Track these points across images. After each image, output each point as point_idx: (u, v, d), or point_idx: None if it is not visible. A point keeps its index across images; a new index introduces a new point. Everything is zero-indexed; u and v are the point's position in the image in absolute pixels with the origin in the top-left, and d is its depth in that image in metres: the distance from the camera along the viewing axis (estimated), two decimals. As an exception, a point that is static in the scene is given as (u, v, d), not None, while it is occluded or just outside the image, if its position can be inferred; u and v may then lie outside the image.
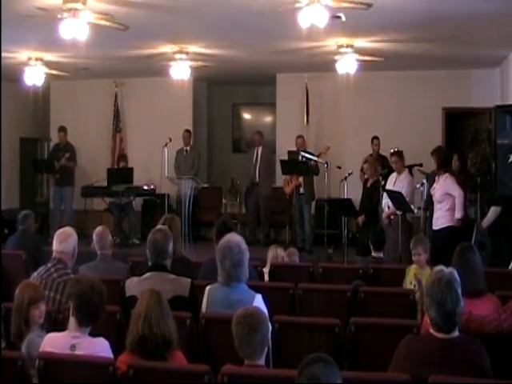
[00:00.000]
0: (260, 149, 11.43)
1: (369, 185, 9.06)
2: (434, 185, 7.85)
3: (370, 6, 6.26)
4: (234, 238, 4.37)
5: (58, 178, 11.69)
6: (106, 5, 6.58)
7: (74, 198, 11.75)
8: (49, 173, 11.92)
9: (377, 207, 8.93)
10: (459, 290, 3.29)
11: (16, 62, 9.77)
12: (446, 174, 7.62)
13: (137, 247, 10.70)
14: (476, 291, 4.03)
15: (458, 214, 7.55)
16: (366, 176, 9.25)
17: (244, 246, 4.29)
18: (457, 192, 7.54)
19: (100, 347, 3.55)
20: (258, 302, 4.13)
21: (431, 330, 3.32)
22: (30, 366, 3.50)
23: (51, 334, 3.71)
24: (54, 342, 3.60)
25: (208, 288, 4.31)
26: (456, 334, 3.28)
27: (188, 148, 11.76)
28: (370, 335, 4.19)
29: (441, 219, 7.66)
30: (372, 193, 8.98)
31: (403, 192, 8.20)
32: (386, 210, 8.50)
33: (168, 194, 11.45)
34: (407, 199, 8.13)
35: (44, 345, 3.63)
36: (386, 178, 9.13)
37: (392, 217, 8.35)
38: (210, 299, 4.27)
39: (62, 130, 11.88)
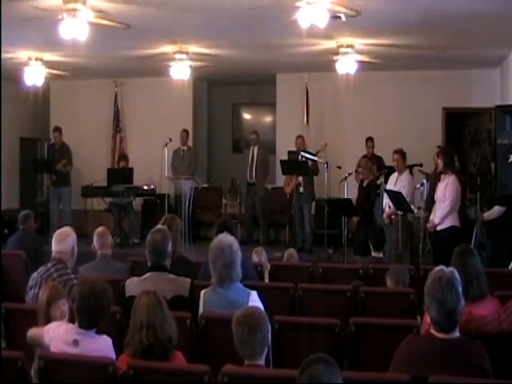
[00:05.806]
0: (256, 148, 11.42)
1: (364, 185, 9.18)
2: (439, 183, 7.81)
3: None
4: (226, 239, 4.33)
5: (55, 178, 11.70)
6: (105, 5, 6.59)
7: (75, 198, 11.74)
8: (49, 173, 11.92)
9: (372, 207, 8.96)
10: (459, 289, 3.28)
11: (16, 62, 9.77)
12: (453, 177, 7.52)
13: (137, 247, 10.68)
14: (479, 296, 4.02)
15: (437, 220, 7.52)
16: (361, 176, 9.34)
17: (236, 246, 4.26)
18: (449, 201, 7.45)
19: (103, 345, 3.54)
20: (254, 299, 4.13)
21: (432, 330, 3.31)
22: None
23: (58, 322, 3.70)
24: (58, 331, 3.59)
25: (203, 292, 4.29)
26: (457, 334, 3.28)
27: (185, 148, 11.75)
28: (370, 335, 4.19)
29: (443, 220, 7.62)
30: (368, 192, 9.04)
31: (404, 192, 8.19)
32: (387, 209, 8.49)
33: (168, 194, 11.46)
34: (408, 199, 8.13)
35: (49, 329, 3.63)
36: (386, 177, 9.14)
37: (393, 216, 8.34)
38: (207, 302, 4.25)
39: (57, 130, 11.86)
